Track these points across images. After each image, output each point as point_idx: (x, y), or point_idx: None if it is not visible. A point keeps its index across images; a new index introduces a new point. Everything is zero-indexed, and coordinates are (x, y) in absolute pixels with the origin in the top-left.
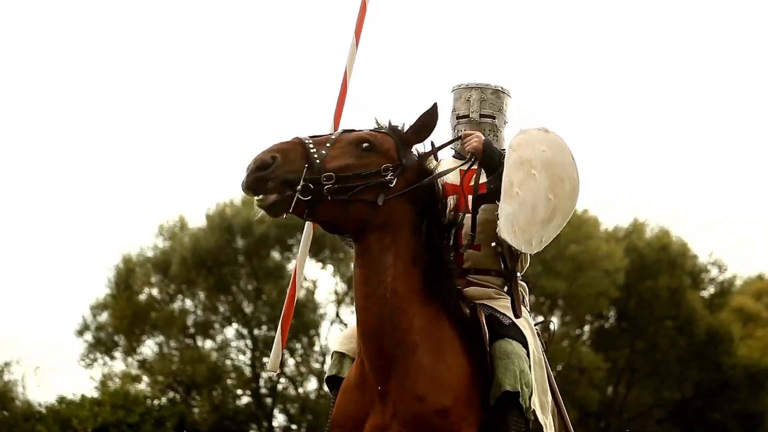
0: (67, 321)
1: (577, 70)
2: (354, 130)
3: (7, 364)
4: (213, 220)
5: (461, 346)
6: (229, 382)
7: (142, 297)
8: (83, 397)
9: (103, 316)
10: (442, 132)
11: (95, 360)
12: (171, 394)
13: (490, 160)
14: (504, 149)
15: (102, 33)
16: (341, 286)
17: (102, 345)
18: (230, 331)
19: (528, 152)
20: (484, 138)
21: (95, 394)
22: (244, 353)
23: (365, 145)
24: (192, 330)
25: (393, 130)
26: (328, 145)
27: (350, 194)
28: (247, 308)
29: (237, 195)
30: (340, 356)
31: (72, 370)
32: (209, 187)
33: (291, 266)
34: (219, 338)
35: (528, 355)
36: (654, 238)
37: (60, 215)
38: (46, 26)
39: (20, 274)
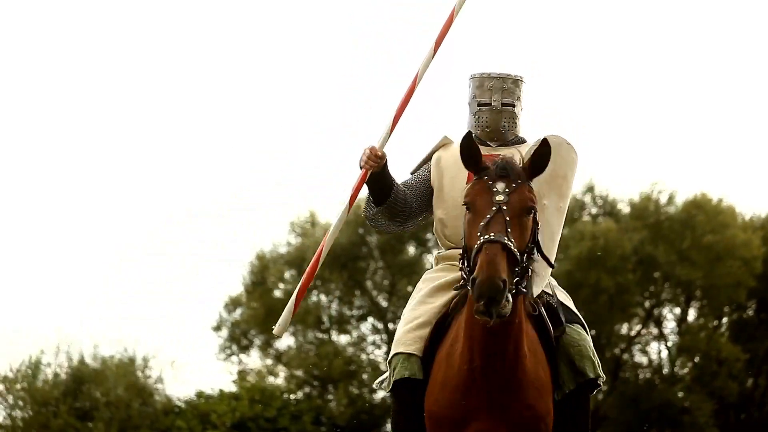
0: (204, 317)
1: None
2: (507, 165)
3: (145, 360)
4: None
5: (539, 342)
6: (364, 376)
7: (277, 293)
8: (221, 391)
9: (238, 312)
10: (460, 117)
11: (232, 354)
12: (307, 388)
13: None
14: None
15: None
16: None
17: (237, 340)
18: (366, 326)
19: (535, 186)
20: None
21: (233, 389)
22: (379, 348)
23: (530, 210)
24: (327, 325)
25: (525, 174)
26: (509, 230)
27: (531, 258)
28: (383, 303)
29: None
30: (408, 356)
31: (209, 365)
32: (343, 183)
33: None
34: (355, 333)
35: (585, 327)
36: None
37: (195, 214)
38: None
39: (157, 271)
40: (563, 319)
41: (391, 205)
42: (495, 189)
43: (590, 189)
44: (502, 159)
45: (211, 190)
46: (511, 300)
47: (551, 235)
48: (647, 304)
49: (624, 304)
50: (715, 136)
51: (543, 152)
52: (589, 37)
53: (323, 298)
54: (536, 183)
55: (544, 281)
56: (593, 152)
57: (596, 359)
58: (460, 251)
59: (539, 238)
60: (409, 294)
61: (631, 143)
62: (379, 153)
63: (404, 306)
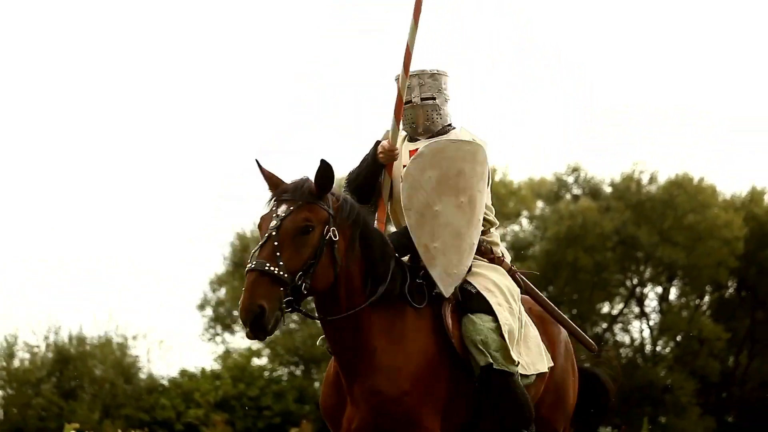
0: (189, 297)
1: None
2: (278, 184)
3: (125, 338)
4: None
5: (425, 329)
6: None
7: None
8: (203, 370)
9: (222, 292)
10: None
11: (216, 335)
12: (291, 367)
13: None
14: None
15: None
16: None
17: (221, 320)
18: None
19: (421, 196)
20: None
21: (216, 368)
22: None
23: (307, 230)
24: (311, 305)
25: (310, 195)
26: (278, 254)
27: (313, 273)
28: None
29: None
30: None
31: (195, 344)
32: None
33: None
34: None
35: (496, 317)
36: None
37: (179, 195)
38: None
39: (144, 251)
40: (465, 307)
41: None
42: (275, 214)
43: (575, 170)
44: (289, 183)
45: (193, 173)
46: (280, 315)
47: (456, 233)
48: (629, 283)
49: (605, 283)
50: (695, 116)
51: (322, 173)
52: (574, 17)
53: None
54: (423, 193)
55: (454, 280)
56: (577, 135)
57: (490, 346)
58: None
59: (441, 240)
60: None
61: (613, 125)
62: (395, 148)
63: None
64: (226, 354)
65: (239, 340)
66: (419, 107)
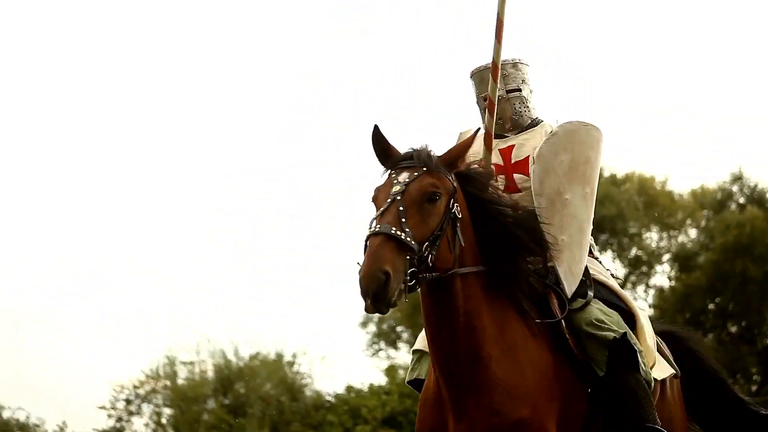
0: (352, 313)
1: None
2: (394, 154)
3: (294, 355)
4: None
5: (534, 336)
6: None
7: None
8: (371, 386)
9: None
10: (472, 115)
11: (379, 350)
12: None
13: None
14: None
15: None
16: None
17: (385, 336)
18: None
19: (553, 182)
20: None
21: (382, 383)
22: None
23: (434, 197)
24: None
25: (434, 162)
26: (403, 220)
27: (438, 245)
28: None
29: None
30: (420, 355)
31: (358, 360)
32: None
33: None
34: None
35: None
36: None
37: (339, 207)
38: None
39: (304, 271)
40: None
41: None
42: (396, 181)
43: (738, 178)
44: (409, 149)
45: (353, 187)
46: (404, 287)
47: (579, 226)
48: None
49: None
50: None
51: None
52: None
53: None
54: (555, 178)
55: (575, 279)
56: (742, 141)
57: (611, 322)
58: None
59: (568, 232)
60: None
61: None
62: None
63: None
64: (391, 369)
65: (404, 356)
66: (505, 100)
